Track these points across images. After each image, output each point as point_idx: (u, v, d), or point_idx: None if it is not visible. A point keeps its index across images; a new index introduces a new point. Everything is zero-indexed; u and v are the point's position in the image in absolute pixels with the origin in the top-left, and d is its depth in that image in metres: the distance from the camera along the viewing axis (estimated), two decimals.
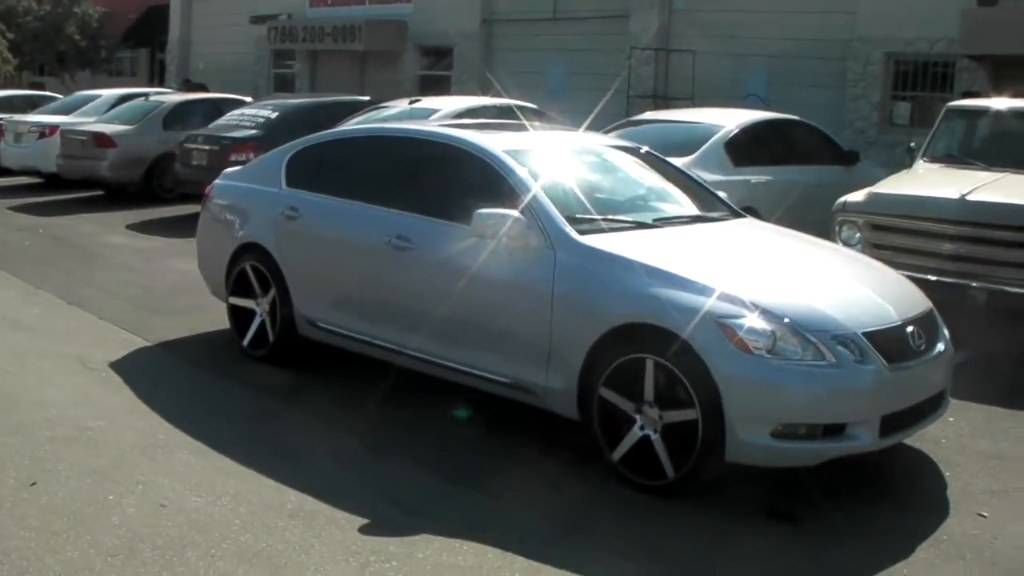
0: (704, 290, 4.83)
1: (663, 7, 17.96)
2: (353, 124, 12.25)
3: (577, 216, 5.52)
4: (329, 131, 7.40)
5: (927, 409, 5.16)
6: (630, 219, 5.78)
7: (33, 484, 4.65)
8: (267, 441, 5.45)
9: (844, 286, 5.28)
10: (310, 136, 7.12)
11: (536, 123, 12.89)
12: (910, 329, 5.06)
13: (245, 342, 6.97)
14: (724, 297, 4.79)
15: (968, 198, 7.67)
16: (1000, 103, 9.71)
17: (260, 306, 6.91)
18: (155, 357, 7.06)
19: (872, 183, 12.04)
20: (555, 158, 6.15)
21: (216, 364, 6.89)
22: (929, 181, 8.44)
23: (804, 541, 4.56)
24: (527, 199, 5.47)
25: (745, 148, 10.14)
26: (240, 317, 7.07)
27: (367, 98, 15.13)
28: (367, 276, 6.15)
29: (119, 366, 6.72)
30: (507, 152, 5.82)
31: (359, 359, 6.42)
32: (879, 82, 15.32)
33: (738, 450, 4.69)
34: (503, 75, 19.93)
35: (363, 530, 4.38)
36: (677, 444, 4.82)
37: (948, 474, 5.33)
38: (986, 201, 7.62)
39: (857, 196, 8.37)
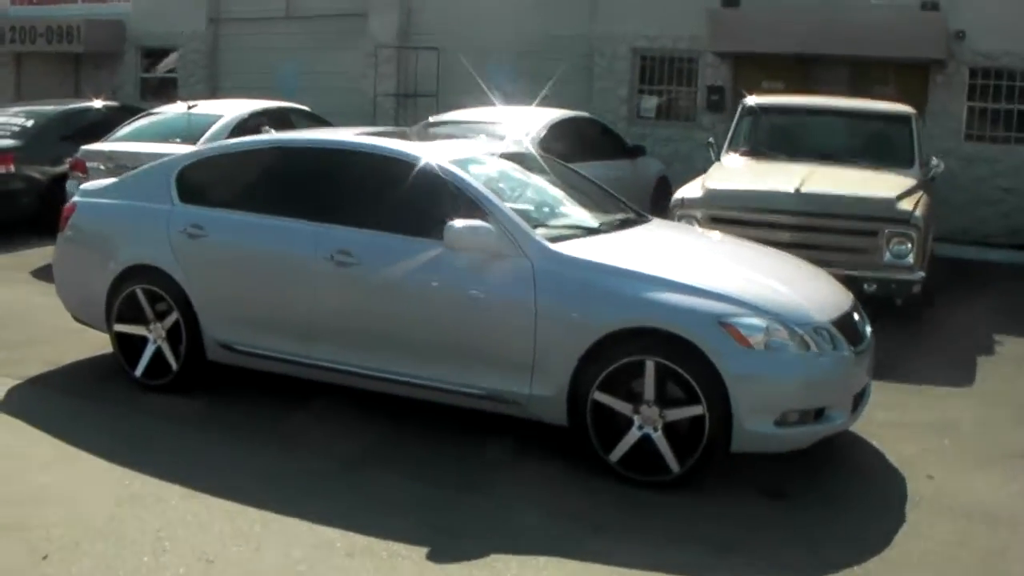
0: (700, 292, 5.10)
1: (402, 6, 18.03)
2: (129, 127, 11.51)
3: (533, 225, 5.61)
4: (226, 143, 6.98)
5: (867, 388, 5.73)
6: (576, 225, 5.94)
7: (45, 557, 4.12)
8: (247, 473, 5.14)
9: (798, 280, 5.73)
10: (201, 149, 6.71)
11: (317, 126, 12.71)
12: (856, 316, 5.60)
13: (138, 372, 6.44)
14: (719, 297, 5.09)
15: (802, 191, 8.46)
16: (794, 100, 10.74)
17: (153, 332, 6.41)
18: (39, 396, 6.35)
19: (651, 174, 12.89)
20: (489, 168, 6.17)
21: (115, 398, 6.29)
22: (756, 175, 9.18)
23: (802, 513, 4.99)
24: (491, 210, 5.49)
25: (554, 147, 10.49)
26: (128, 345, 6.50)
27: (113, 104, 14.14)
28: (299, 294, 5.87)
29: (8, 409, 6.02)
30: (454, 163, 5.80)
31: (260, 379, 6.24)
32: (626, 77, 16.23)
33: (743, 440, 5.01)
34: (233, 76, 19.25)
35: (433, 558, 4.27)
36: (680, 440, 5.06)
37: (876, 444, 5.93)
38: (820, 193, 8.44)
39: (693, 192, 8.96)
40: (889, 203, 8.38)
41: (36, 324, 8.02)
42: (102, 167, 10.95)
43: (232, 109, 11.88)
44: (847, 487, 5.36)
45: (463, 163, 5.85)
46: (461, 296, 5.45)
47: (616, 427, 5.19)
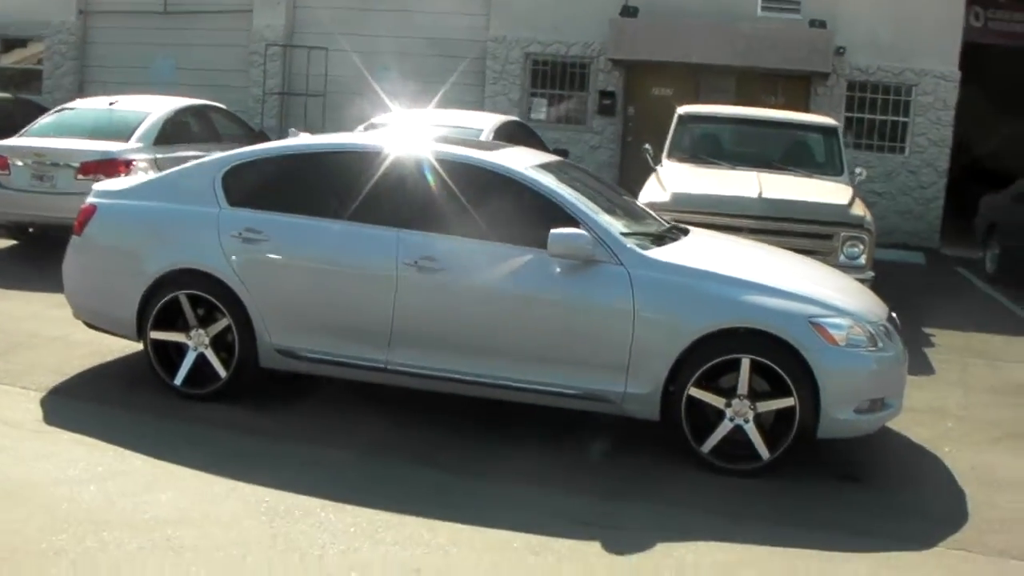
0: (789, 295, 5.55)
1: (288, 3, 17.78)
2: (46, 122, 10.92)
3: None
4: (278, 145, 6.79)
5: None
6: (645, 232, 6.23)
7: None
8: (368, 480, 5.16)
9: (847, 285, 6.25)
10: (246, 151, 6.56)
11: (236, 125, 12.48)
12: (893, 315, 6.19)
13: (178, 381, 6.27)
14: (807, 300, 5.55)
15: (764, 196, 9.05)
16: (726, 110, 11.37)
17: (194, 339, 6.27)
18: (79, 408, 6.05)
19: None
20: (562, 176, 6.33)
21: (159, 407, 6.09)
22: (711, 180, 9.69)
23: (877, 492, 5.53)
24: (583, 218, 5.73)
25: None
26: (164, 353, 6.35)
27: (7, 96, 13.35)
28: (378, 300, 5.88)
29: (58, 423, 5.76)
30: (536, 170, 6.00)
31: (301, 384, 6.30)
32: (518, 80, 16.63)
33: (829, 427, 5.48)
34: (104, 70, 18.45)
35: (616, 551, 4.48)
36: (771, 430, 5.49)
37: (896, 429, 6.52)
38: (780, 199, 9.05)
39: (657, 195, 9.37)
40: (843, 209, 9.08)
41: (6, 331, 7.65)
42: (27, 163, 10.46)
43: (157, 106, 11.52)
44: (901, 467, 5.95)
45: (543, 171, 6.05)
46: (557, 301, 5.66)
47: (706, 420, 5.55)
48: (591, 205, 5.95)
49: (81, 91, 18.11)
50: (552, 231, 5.55)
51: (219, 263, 6.15)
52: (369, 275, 5.94)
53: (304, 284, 6.08)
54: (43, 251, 11.21)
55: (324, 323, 6.05)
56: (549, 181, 5.93)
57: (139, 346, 6.88)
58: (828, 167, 10.43)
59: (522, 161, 6.17)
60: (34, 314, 8.28)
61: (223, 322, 6.19)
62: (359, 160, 6.22)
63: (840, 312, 5.56)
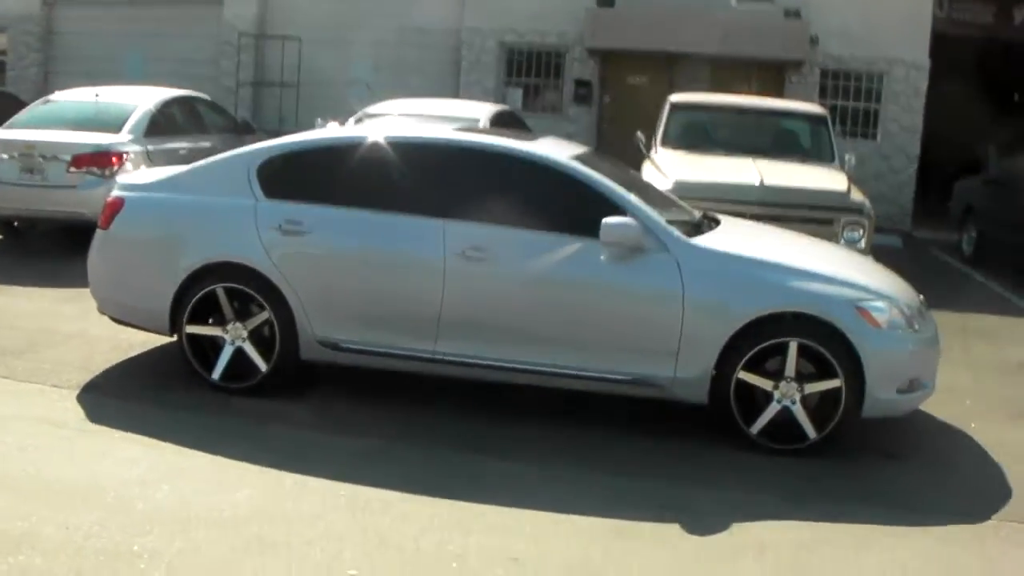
0: (834, 280, 5.71)
1: None
2: (30, 114, 10.74)
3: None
4: (312, 136, 6.71)
5: None
6: (683, 221, 6.32)
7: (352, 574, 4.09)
8: (408, 474, 5.11)
9: (879, 270, 6.42)
10: (281, 142, 6.52)
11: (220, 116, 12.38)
12: (922, 298, 6.37)
13: (216, 375, 6.24)
14: (850, 285, 5.72)
15: (766, 183, 9.21)
16: (717, 98, 11.51)
17: (231, 333, 6.25)
18: (120, 406, 5.97)
19: None
20: (600, 166, 6.40)
21: (199, 402, 6.05)
22: (709, 167, 9.82)
23: (919, 468, 5.74)
24: (629, 207, 5.82)
25: None
26: (199, 348, 6.32)
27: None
28: (424, 290, 5.91)
29: (105, 421, 5.69)
30: (575, 160, 6.07)
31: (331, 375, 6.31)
32: (493, 69, 16.66)
33: (873, 407, 5.65)
34: (70, 60, 18.14)
35: (692, 532, 4.60)
36: (817, 410, 5.64)
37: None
38: (782, 186, 9.22)
39: (660, 184, 9.48)
40: (843, 195, 9.29)
41: (21, 328, 7.55)
42: (15, 156, 10.26)
43: (144, 98, 11.37)
44: (934, 444, 6.14)
45: (581, 161, 6.12)
46: (606, 288, 5.75)
47: (754, 402, 5.68)
48: (634, 194, 6.03)
49: (46, 83, 17.81)
50: (604, 220, 5.63)
51: (258, 256, 6.12)
52: (416, 265, 5.96)
53: (348, 276, 6.08)
54: (32, 245, 11.08)
55: (369, 314, 6.06)
56: (591, 171, 6.00)
57: (161, 340, 6.90)
58: (819, 154, 10.63)
59: (563, 151, 6.24)
60: (44, 310, 8.17)
61: (262, 315, 6.17)
62: (402, 151, 6.22)
63: (881, 296, 5.73)
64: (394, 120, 10.47)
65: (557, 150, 6.26)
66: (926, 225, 15.41)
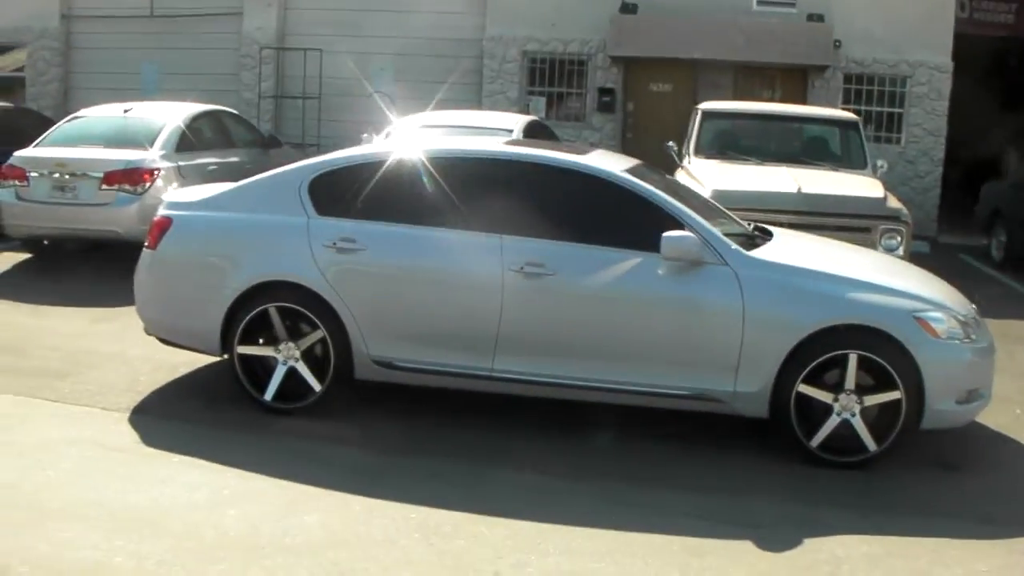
0: (893, 291, 5.70)
1: (280, 5, 17.62)
2: (60, 131, 10.69)
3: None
4: (362, 152, 6.69)
5: None
6: (737, 233, 6.29)
7: None
8: (473, 494, 5.09)
9: (933, 278, 6.39)
10: (332, 158, 6.52)
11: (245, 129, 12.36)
12: (975, 307, 6.34)
13: (268, 396, 6.22)
14: (909, 296, 5.71)
15: (803, 191, 9.19)
16: (747, 106, 11.50)
17: (283, 353, 6.22)
18: (174, 428, 5.97)
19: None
20: (652, 179, 6.38)
21: (251, 424, 6.04)
22: (746, 176, 9.81)
23: (981, 478, 5.74)
24: (688, 221, 5.80)
25: None
26: (251, 369, 6.30)
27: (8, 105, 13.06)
28: (483, 307, 5.88)
29: (162, 445, 5.68)
30: (629, 173, 6.06)
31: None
32: (516, 78, 16.65)
33: (933, 418, 5.63)
34: (89, 76, 18.17)
35: (765, 548, 4.59)
36: (876, 422, 5.61)
37: None
38: (820, 193, 9.20)
39: (699, 192, 9.50)
40: (881, 202, 9.26)
41: (60, 349, 7.54)
42: (46, 173, 10.26)
43: (173, 113, 11.37)
44: (991, 454, 6.12)
45: (636, 174, 6.11)
46: (666, 303, 5.74)
47: (812, 415, 5.66)
48: (690, 208, 6.02)
49: (66, 98, 17.84)
50: (665, 234, 5.62)
51: (311, 274, 6.11)
52: (474, 282, 5.95)
53: (404, 293, 6.06)
54: (62, 264, 11.09)
55: (425, 332, 6.04)
56: (648, 184, 5.99)
57: (204, 360, 6.91)
58: (852, 160, 10.61)
59: (617, 164, 6.23)
60: (81, 331, 8.17)
61: (316, 334, 6.14)
62: (456, 167, 6.21)
63: (939, 306, 5.71)
64: (430, 133, 10.45)
65: (612, 163, 6.25)
66: (951, 230, 15.35)
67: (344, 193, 6.27)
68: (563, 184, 6.07)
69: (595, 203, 6.02)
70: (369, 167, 6.34)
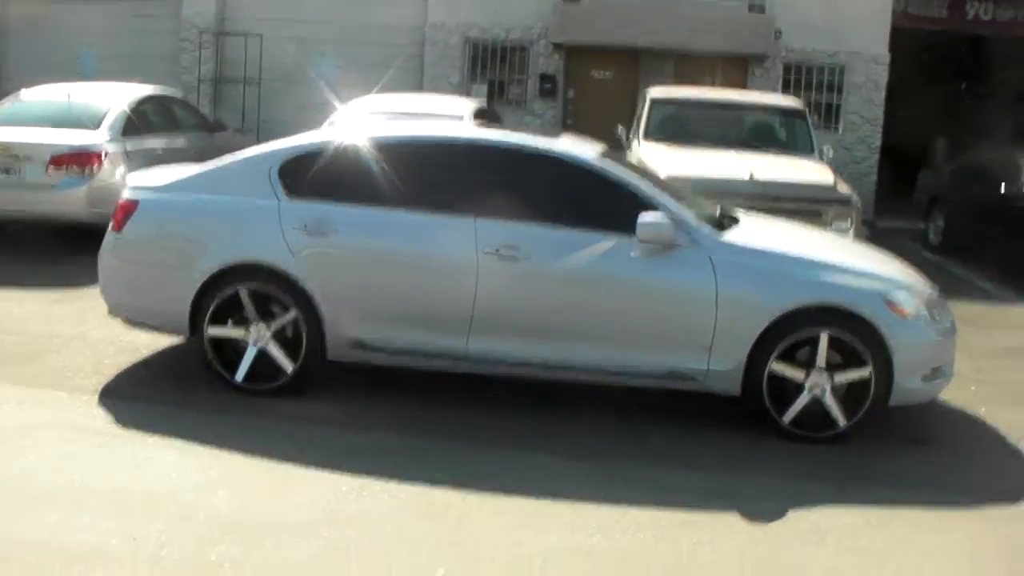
0: (862, 273, 5.87)
1: None
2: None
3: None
4: (335, 135, 6.58)
5: None
6: (709, 215, 6.39)
7: None
8: (458, 473, 5.09)
9: (897, 261, 6.57)
10: (302, 142, 6.46)
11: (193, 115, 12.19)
12: (937, 288, 6.54)
13: (239, 377, 6.18)
14: (877, 278, 5.89)
15: (755, 177, 9.36)
16: (699, 93, 11.66)
17: (253, 334, 6.19)
18: (147, 410, 5.87)
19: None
20: (622, 164, 6.45)
21: (226, 404, 5.98)
22: (696, 161, 9.91)
23: (949, 453, 5.93)
24: (660, 204, 5.89)
25: None
26: (221, 350, 6.25)
27: None
28: (456, 289, 5.91)
29: (138, 426, 5.60)
30: (601, 158, 6.13)
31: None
32: (457, 64, 16.61)
33: (900, 395, 5.81)
34: (23, 60, 17.67)
35: (752, 520, 4.69)
36: (845, 399, 5.77)
37: None
38: (772, 180, 9.38)
39: None
40: (831, 188, 9.49)
41: (18, 333, 7.38)
42: None
43: (118, 95, 11.15)
44: (953, 429, 6.32)
45: (606, 159, 6.18)
46: (640, 285, 5.82)
47: (784, 393, 5.79)
48: (662, 192, 6.10)
49: (1, 81, 17.32)
50: (640, 217, 5.69)
51: (283, 257, 6.07)
52: (448, 264, 5.96)
53: (378, 275, 6.06)
54: (9, 246, 10.80)
55: (399, 314, 6.04)
56: (619, 169, 6.06)
57: (167, 340, 6.88)
58: (798, 147, 10.86)
59: (588, 150, 6.28)
60: (37, 313, 8.00)
61: (287, 316, 6.11)
62: (430, 150, 6.23)
63: (906, 287, 5.89)
64: (378, 119, 10.38)
65: (583, 149, 6.30)
66: (887, 214, 15.73)
67: (315, 176, 6.22)
68: (537, 169, 6.11)
69: (569, 187, 6.07)
70: (341, 150, 6.31)
